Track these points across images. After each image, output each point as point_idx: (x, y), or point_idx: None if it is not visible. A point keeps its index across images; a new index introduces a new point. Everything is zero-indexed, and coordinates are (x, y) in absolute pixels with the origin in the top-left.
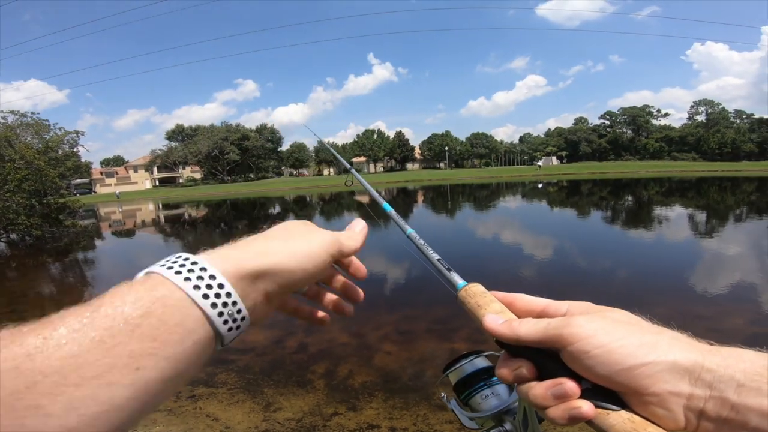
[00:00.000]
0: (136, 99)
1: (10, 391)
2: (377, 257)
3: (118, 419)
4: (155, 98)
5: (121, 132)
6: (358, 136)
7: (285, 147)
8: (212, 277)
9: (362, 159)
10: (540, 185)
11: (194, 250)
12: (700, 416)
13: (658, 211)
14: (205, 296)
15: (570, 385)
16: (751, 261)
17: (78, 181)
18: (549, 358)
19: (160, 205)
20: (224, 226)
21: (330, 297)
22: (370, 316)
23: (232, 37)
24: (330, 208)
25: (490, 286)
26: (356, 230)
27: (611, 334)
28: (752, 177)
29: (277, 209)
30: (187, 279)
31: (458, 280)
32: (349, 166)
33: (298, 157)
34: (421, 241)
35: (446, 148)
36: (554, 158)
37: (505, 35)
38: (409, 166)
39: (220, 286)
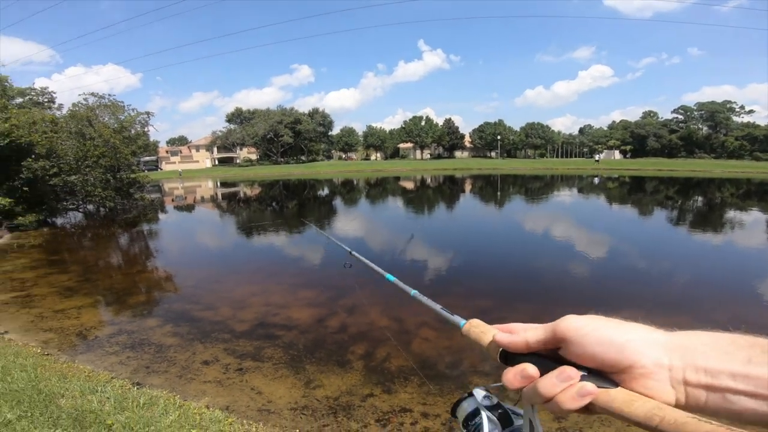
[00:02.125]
0: (201, 83)
1: None
2: (417, 245)
3: None
4: (218, 82)
5: (186, 113)
6: (405, 122)
7: (335, 131)
8: None
9: (409, 145)
10: (597, 180)
11: (248, 224)
12: (684, 384)
13: (731, 214)
14: None
15: (571, 370)
16: None
17: (146, 158)
18: (548, 358)
19: (218, 183)
20: (275, 205)
21: None
22: (409, 302)
23: (291, 22)
24: (375, 192)
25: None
26: None
27: (597, 322)
28: None
29: (325, 191)
30: None
31: (460, 320)
32: (348, 249)
33: (347, 141)
34: (426, 299)
35: (498, 137)
36: (617, 152)
37: (567, 24)
38: (457, 154)
39: None
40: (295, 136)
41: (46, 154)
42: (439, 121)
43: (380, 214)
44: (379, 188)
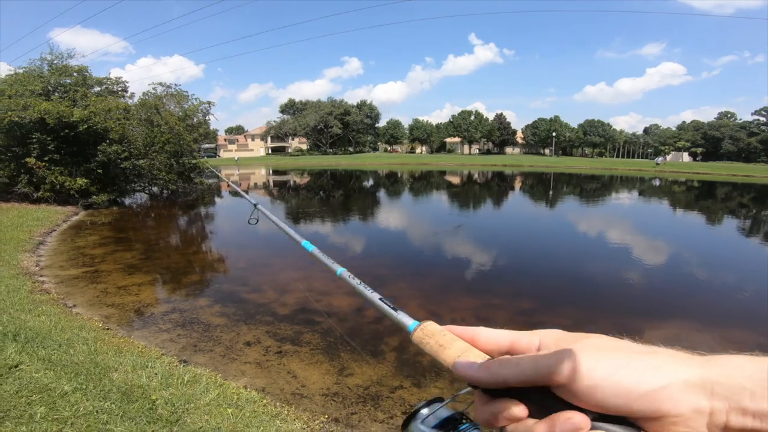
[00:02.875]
0: (257, 74)
1: None
2: (456, 239)
3: None
4: (273, 74)
5: (243, 104)
6: (453, 116)
7: (382, 123)
8: None
9: (456, 139)
10: (657, 182)
11: (296, 211)
12: (724, 430)
13: None
14: None
15: (579, 419)
16: None
17: (206, 145)
18: (540, 393)
19: (271, 171)
20: (322, 193)
21: None
22: (449, 296)
23: (342, 14)
24: (419, 186)
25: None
26: None
27: (610, 362)
28: None
29: (370, 182)
30: None
31: (408, 321)
32: (253, 203)
33: (393, 134)
34: (357, 281)
35: (554, 134)
36: (685, 154)
37: (633, 19)
38: (508, 150)
39: None
40: (343, 127)
41: (119, 140)
42: (490, 116)
43: (422, 207)
44: (423, 181)
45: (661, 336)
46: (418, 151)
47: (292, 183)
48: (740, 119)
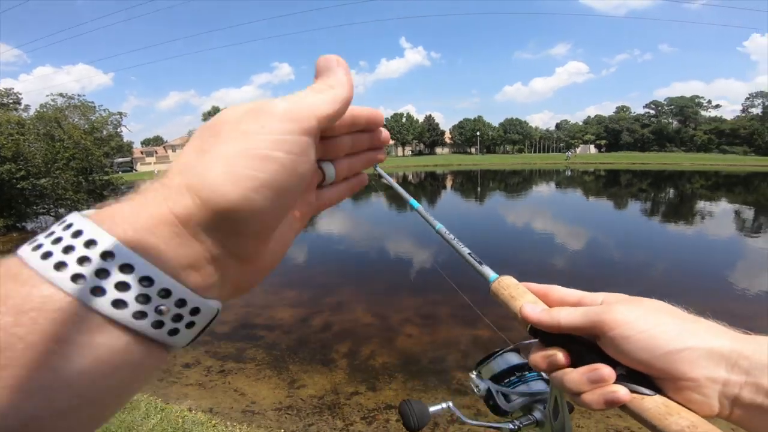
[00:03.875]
0: (177, 81)
1: None
2: (402, 240)
3: None
4: (196, 81)
5: (162, 113)
6: (386, 119)
7: None
8: (106, 255)
9: (390, 142)
10: (568, 173)
11: None
12: (734, 403)
13: (701, 205)
14: (97, 291)
15: (606, 371)
16: None
17: (120, 159)
18: (583, 345)
19: None
20: None
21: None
22: (393, 299)
23: (270, 19)
24: (362, 193)
25: (519, 278)
26: (333, 77)
27: (651, 320)
28: None
29: None
30: (61, 265)
31: (490, 273)
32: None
33: None
34: (451, 236)
35: (478, 133)
36: (592, 147)
37: (545, 21)
38: (438, 150)
39: (125, 269)
40: None
41: (13, 157)
42: (420, 117)
43: (360, 212)
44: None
45: None
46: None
47: None
48: (634, 112)
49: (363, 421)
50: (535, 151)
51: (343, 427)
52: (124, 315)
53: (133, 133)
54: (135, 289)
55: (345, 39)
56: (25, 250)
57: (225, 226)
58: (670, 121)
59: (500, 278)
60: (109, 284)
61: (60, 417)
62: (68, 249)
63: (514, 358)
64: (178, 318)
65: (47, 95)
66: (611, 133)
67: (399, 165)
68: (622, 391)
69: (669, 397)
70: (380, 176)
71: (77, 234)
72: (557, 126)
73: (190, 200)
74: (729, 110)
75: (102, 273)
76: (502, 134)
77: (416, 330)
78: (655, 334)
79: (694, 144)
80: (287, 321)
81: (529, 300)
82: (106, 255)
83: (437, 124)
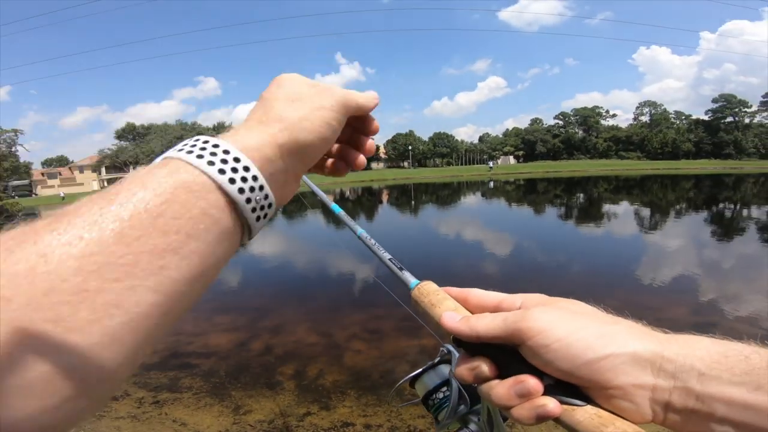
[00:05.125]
0: (86, 96)
1: (26, 299)
2: (339, 257)
3: (143, 331)
4: (108, 95)
5: (68, 131)
6: None
7: None
8: (236, 159)
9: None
10: (491, 184)
11: None
12: (666, 408)
13: (607, 207)
14: (232, 180)
15: (532, 383)
16: (691, 253)
17: (16, 182)
18: (509, 354)
19: None
20: None
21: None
22: (336, 316)
23: (194, 32)
24: (293, 207)
25: (445, 282)
26: (370, 93)
27: (568, 326)
28: (689, 175)
29: None
30: (211, 163)
31: (410, 279)
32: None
33: None
34: (372, 241)
35: (410, 148)
36: (511, 158)
37: (468, 38)
38: (374, 165)
39: (246, 169)
40: None
41: None
42: None
43: (297, 230)
44: (296, 204)
45: None
46: None
47: None
48: (546, 124)
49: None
50: (461, 164)
51: None
52: (240, 198)
53: (31, 152)
54: (249, 182)
55: (277, 54)
56: (185, 156)
57: (298, 154)
58: (576, 130)
59: (421, 285)
60: (237, 176)
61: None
62: (214, 154)
63: (446, 370)
64: (262, 208)
65: None
66: (527, 144)
67: (336, 181)
68: (551, 404)
69: (600, 407)
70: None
71: (216, 146)
72: (480, 139)
73: (287, 135)
74: (623, 119)
75: (233, 170)
76: (431, 148)
77: (363, 345)
78: (573, 341)
79: (597, 151)
80: (223, 347)
81: (449, 307)
82: (236, 160)
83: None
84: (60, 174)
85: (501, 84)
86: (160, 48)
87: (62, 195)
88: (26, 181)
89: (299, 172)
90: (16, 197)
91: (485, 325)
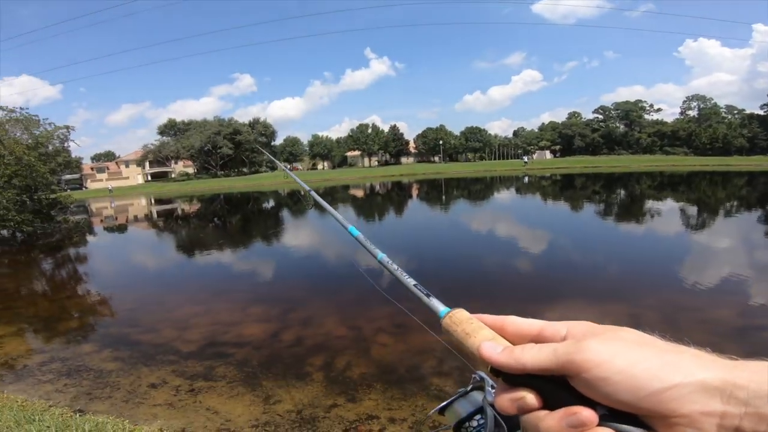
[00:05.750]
0: (131, 94)
1: None
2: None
3: None
4: (151, 93)
5: (114, 127)
6: (352, 130)
7: (279, 141)
8: None
9: (356, 153)
10: (526, 179)
11: (188, 242)
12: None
13: (650, 205)
14: None
15: (587, 414)
16: (740, 254)
17: (68, 176)
18: (555, 385)
19: (153, 200)
20: (217, 221)
21: None
22: (363, 310)
23: (231, 30)
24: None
25: (482, 281)
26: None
27: (629, 357)
28: (743, 172)
29: (270, 203)
30: None
31: (440, 307)
32: (307, 187)
33: (291, 151)
34: (394, 266)
35: (440, 142)
36: (548, 152)
37: (501, 32)
38: (403, 159)
39: None
40: (235, 147)
41: None
42: (385, 128)
43: (327, 223)
44: (328, 198)
45: (555, 318)
46: (320, 167)
47: (179, 212)
48: (585, 118)
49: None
50: (495, 158)
51: None
52: None
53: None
54: None
55: (309, 50)
56: None
57: None
58: (617, 125)
59: (452, 313)
60: None
61: None
62: None
63: (479, 397)
64: None
65: None
66: (565, 138)
67: (365, 176)
68: None
69: None
70: (315, 202)
71: None
72: (514, 133)
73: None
74: (669, 113)
75: None
76: (463, 142)
77: (390, 339)
78: (635, 373)
79: (639, 146)
80: (257, 337)
81: (486, 336)
82: None
83: (402, 134)
84: (107, 168)
85: (537, 77)
86: (198, 46)
87: (110, 188)
88: (77, 175)
89: None
90: (69, 190)
91: (532, 357)
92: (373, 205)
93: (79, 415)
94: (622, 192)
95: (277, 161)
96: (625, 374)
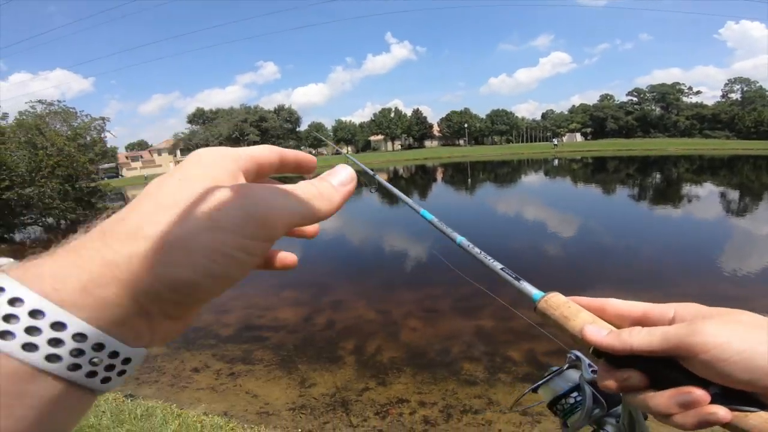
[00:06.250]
0: (160, 84)
1: None
2: (395, 234)
3: None
4: (179, 82)
5: (145, 117)
6: (375, 114)
7: (303, 127)
8: (35, 313)
9: (380, 137)
10: (555, 162)
11: None
12: None
13: (688, 189)
14: (30, 347)
15: (699, 393)
16: None
17: (105, 165)
18: (662, 365)
19: None
20: None
21: None
22: (393, 294)
23: (253, 18)
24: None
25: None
26: (338, 183)
27: (747, 337)
28: None
29: None
30: (6, 333)
31: (532, 290)
32: (372, 172)
33: (316, 137)
34: (477, 250)
35: (465, 125)
36: (578, 135)
37: (527, 13)
38: (427, 143)
39: (57, 326)
40: (262, 134)
41: None
42: (408, 112)
43: (353, 207)
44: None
45: None
46: (344, 151)
47: None
48: (618, 100)
49: (377, 417)
50: (522, 141)
51: (358, 423)
52: (59, 368)
53: (116, 138)
54: (68, 344)
55: (330, 36)
56: None
57: (168, 296)
58: (653, 108)
59: (547, 297)
60: (41, 341)
61: None
62: None
63: (574, 376)
64: (110, 368)
65: (26, 102)
66: (596, 121)
67: (389, 159)
68: (721, 412)
69: None
70: (380, 185)
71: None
72: (543, 116)
73: (143, 267)
74: (709, 96)
75: (33, 330)
76: (489, 125)
77: (419, 323)
78: (755, 354)
79: (677, 129)
80: (291, 321)
81: (586, 320)
82: (35, 313)
83: (425, 118)
84: (141, 157)
85: (566, 59)
86: (222, 35)
87: (145, 176)
88: (113, 164)
89: (180, 312)
90: (106, 179)
91: (641, 339)
92: (401, 188)
93: (131, 400)
94: (658, 176)
95: (337, 148)
96: (744, 355)
